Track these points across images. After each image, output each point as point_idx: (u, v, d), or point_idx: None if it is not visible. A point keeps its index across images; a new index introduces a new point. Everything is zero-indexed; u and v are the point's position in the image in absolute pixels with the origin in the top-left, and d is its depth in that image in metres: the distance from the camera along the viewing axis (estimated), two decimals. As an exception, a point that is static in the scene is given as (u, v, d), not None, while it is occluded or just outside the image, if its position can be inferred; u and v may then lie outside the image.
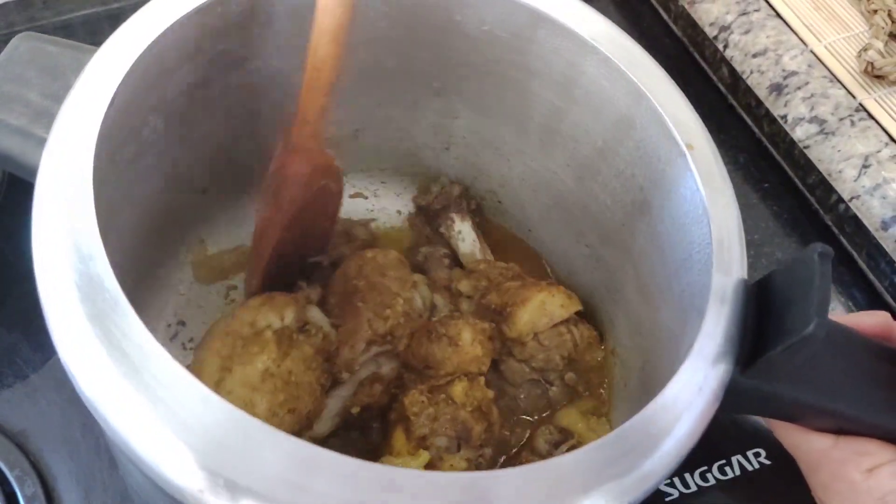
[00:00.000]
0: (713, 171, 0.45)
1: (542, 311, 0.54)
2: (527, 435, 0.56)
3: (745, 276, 0.43)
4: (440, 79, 0.57)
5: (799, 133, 0.76)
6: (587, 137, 0.54)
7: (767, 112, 0.79)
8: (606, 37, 0.50)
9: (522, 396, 0.56)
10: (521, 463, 0.54)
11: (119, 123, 0.41)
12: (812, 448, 0.46)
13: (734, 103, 0.83)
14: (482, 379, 0.53)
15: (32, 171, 0.41)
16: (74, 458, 0.62)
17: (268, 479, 0.32)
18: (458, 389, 0.51)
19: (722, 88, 0.84)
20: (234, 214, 0.62)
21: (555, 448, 0.55)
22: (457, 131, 0.61)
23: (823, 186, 0.74)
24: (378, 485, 0.33)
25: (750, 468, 0.63)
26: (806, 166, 0.76)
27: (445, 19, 0.52)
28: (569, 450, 0.52)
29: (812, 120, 0.76)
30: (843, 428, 0.45)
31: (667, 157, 0.48)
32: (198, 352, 0.50)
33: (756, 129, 0.81)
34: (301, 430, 0.50)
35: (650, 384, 0.50)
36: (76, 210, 0.37)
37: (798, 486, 0.51)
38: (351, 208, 0.66)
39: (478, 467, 0.50)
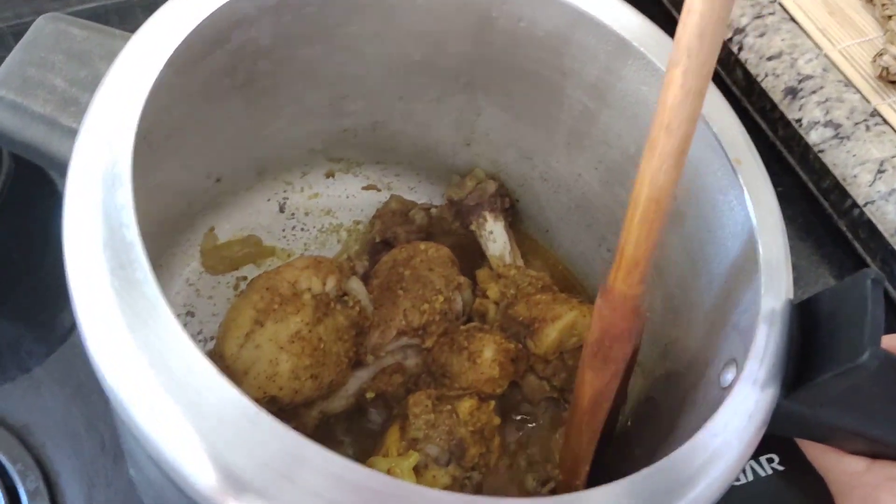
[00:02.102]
0: (762, 188, 0.44)
1: (571, 330, 0.53)
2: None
3: (792, 297, 0.42)
4: (468, 74, 0.55)
5: (814, 137, 0.75)
6: (619, 142, 0.53)
7: (782, 116, 0.78)
8: (650, 39, 0.48)
9: (540, 413, 0.55)
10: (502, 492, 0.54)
11: (148, 109, 0.39)
12: (845, 471, 0.45)
13: (748, 106, 0.82)
14: (492, 403, 0.51)
15: (57, 162, 0.39)
16: (78, 453, 0.60)
17: (258, 467, 0.30)
18: (465, 406, 0.50)
19: (736, 91, 0.83)
20: (246, 204, 0.61)
21: (541, 486, 0.54)
22: (479, 128, 0.60)
23: (838, 191, 0.74)
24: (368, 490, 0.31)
25: (763, 474, 0.63)
26: (820, 171, 0.75)
27: (481, 14, 0.50)
28: (553, 489, 0.52)
29: (827, 124, 0.75)
30: (878, 452, 0.45)
31: (708, 168, 0.46)
32: (236, 300, 0.50)
33: (770, 133, 0.80)
34: (318, 398, 0.50)
35: (676, 398, 0.49)
36: (112, 188, 0.35)
37: (811, 492, 0.51)
38: (363, 201, 0.65)
39: (461, 488, 0.49)
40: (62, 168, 0.37)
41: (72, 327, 0.64)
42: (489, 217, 0.60)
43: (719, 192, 0.46)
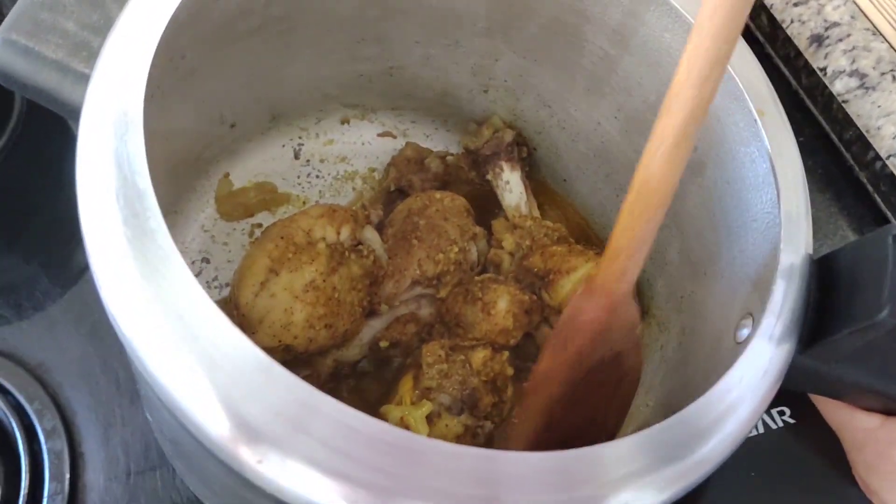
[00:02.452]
0: (784, 140, 0.43)
1: None
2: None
3: (811, 252, 0.41)
4: (487, 19, 0.54)
5: (838, 87, 0.73)
6: (639, 90, 0.52)
7: (806, 63, 0.76)
8: (674, -15, 0.47)
9: None
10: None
11: (159, 54, 0.39)
12: (859, 427, 0.45)
13: (771, 52, 0.80)
14: (506, 354, 0.51)
15: (69, 108, 0.39)
16: (94, 392, 0.61)
17: (270, 417, 0.31)
18: (479, 356, 0.50)
19: (759, 36, 0.81)
20: (260, 150, 0.61)
21: None
22: (498, 73, 0.58)
23: (860, 143, 0.72)
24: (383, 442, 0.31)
25: (774, 426, 0.63)
26: (843, 121, 0.74)
27: (501, -43, 0.49)
28: None
29: (852, 73, 0.73)
30: (892, 409, 0.45)
31: (729, 119, 0.46)
32: (251, 248, 0.50)
33: (793, 81, 0.79)
34: (332, 347, 0.51)
35: (691, 351, 0.49)
36: (124, 136, 0.35)
37: (821, 446, 0.51)
38: (378, 148, 0.64)
39: (473, 437, 0.49)
40: (75, 114, 0.36)
41: (86, 267, 0.64)
42: (506, 167, 0.59)
43: (741, 144, 0.45)
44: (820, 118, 0.77)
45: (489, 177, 0.60)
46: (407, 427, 0.48)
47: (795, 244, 0.41)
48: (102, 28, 0.38)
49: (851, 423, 0.46)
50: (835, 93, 0.74)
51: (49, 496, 0.57)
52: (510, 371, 0.51)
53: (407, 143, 0.62)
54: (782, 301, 0.39)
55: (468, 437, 0.49)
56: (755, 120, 0.43)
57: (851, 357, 0.40)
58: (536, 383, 0.45)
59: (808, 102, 0.78)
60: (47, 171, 0.69)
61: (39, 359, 0.62)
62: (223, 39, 0.47)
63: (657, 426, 0.35)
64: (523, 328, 0.52)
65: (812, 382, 0.43)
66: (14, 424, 0.59)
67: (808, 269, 0.41)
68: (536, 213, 0.60)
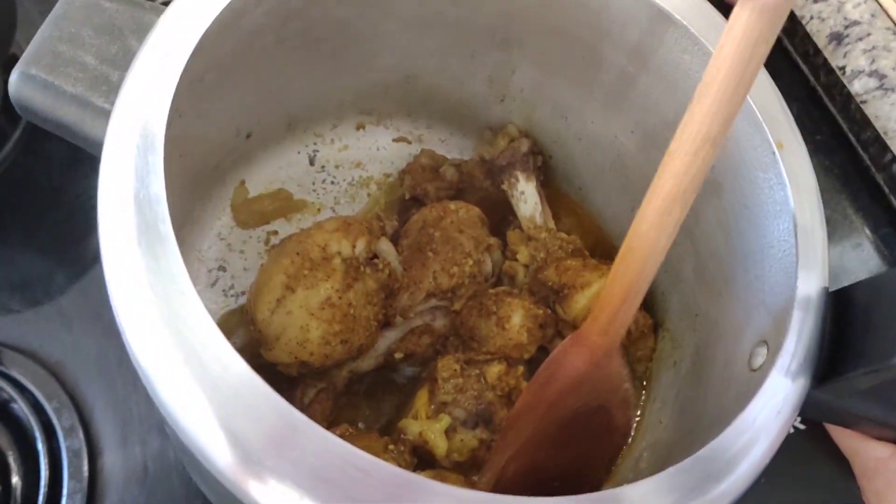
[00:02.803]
0: (802, 173, 0.43)
1: None
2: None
3: (827, 285, 0.41)
4: (504, 32, 0.54)
5: (857, 87, 0.73)
6: (657, 108, 0.51)
7: (825, 62, 0.75)
8: (691, 8, 0.46)
9: None
10: None
11: (180, 86, 0.39)
12: (870, 456, 0.46)
13: (790, 48, 0.80)
14: (521, 368, 0.52)
15: (90, 142, 0.39)
16: (111, 390, 0.62)
17: (258, 435, 0.31)
18: (494, 371, 0.50)
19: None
20: (276, 157, 0.61)
21: None
22: (514, 85, 0.58)
23: (878, 144, 0.72)
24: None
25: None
26: (861, 121, 0.73)
27: (519, -27, 0.49)
28: None
29: (872, 74, 0.72)
30: (905, 439, 0.45)
31: (748, 143, 0.45)
32: (266, 264, 0.50)
33: (812, 78, 0.78)
34: (348, 360, 0.51)
35: (705, 371, 0.49)
36: (145, 171, 0.35)
37: (831, 454, 0.51)
38: (393, 153, 0.64)
39: (488, 450, 0.50)
40: (96, 148, 0.36)
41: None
42: (521, 177, 0.59)
43: (759, 169, 0.45)
44: (838, 117, 0.76)
45: (504, 187, 0.60)
46: (426, 442, 0.49)
47: (813, 277, 0.41)
48: (121, 61, 0.38)
49: (863, 452, 0.46)
50: (853, 93, 0.73)
51: (68, 494, 0.58)
52: (524, 384, 0.52)
53: (422, 151, 0.62)
54: (798, 336, 0.39)
55: (483, 450, 0.50)
56: (774, 151, 0.43)
57: (865, 393, 0.40)
58: (515, 417, 0.47)
59: (826, 101, 0.77)
60: (62, 165, 0.69)
61: (57, 356, 0.63)
62: (241, 58, 0.47)
63: (673, 469, 0.35)
64: (537, 342, 0.53)
65: (824, 413, 0.43)
66: (33, 422, 0.59)
67: (825, 302, 0.41)
68: (552, 224, 0.60)
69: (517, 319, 0.52)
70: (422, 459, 0.50)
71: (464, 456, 0.49)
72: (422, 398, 0.51)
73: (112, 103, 0.36)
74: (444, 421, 0.49)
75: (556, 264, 0.54)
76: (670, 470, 0.35)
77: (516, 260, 0.56)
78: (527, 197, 0.59)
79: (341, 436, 0.31)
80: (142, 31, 0.38)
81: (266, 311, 0.48)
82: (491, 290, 0.55)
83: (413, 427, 0.49)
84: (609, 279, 0.41)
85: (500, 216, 0.61)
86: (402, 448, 0.49)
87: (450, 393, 0.50)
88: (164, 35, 0.38)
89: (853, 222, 0.74)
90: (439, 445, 0.48)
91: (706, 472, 0.35)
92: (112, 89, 0.37)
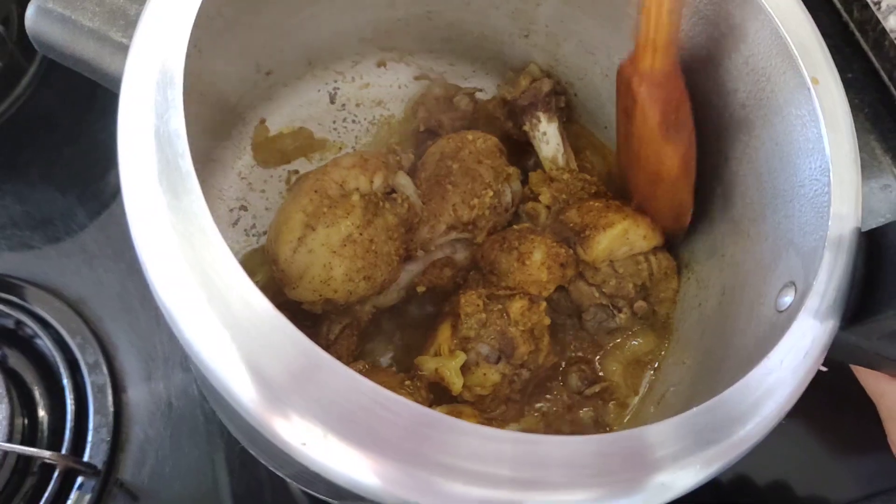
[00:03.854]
0: (837, 110, 0.42)
1: (623, 239, 0.52)
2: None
3: (860, 225, 0.40)
4: (528, -37, 0.52)
5: (892, 22, 0.71)
6: (688, 42, 0.50)
7: (860, -4, 0.73)
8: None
9: (588, 319, 0.54)
10: (548, 393, 0.55)
11: (199, 17, 0.38)
12: (896, 398, 0.45)
13: (823, -18, 0.77)
14: (544, 304, 0.51)
15: (109, 78, 0.38)
16: (134, 327, 0.62)
17: (282, 373, 0.31)
18: (517, 307, 0.50)
19: (812, -36, 0.78)
20: (296, 95, 0.60)
21: (586, 387, 0.54)
22: (539, 19, 0.57)
23: (911, 83, 0.70)
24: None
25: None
26: (895, 59, 0.71)
27: None
28: (598, 392, 0.53)
29: (908, 9, 0.70)
30: (931, 380, 0.45)
31: (780, 80, 0.44)
32: (285, 203, 0.50)
33: (844, 13, 0.76)
34: (371, 296, 0.51)
35: (731, 312, 0.49)
36: (164, 107, 0.35)
37: (852, 396, 0.51)
38: (415, 91, 0.63)
39: (510, 384, 0.50)
40: (115, 84, 0.36)
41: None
42: (543, 118, 0.58)
43: (792, 106, 0.44)
44: (871, 54, 0.74)
45: (526, 128, 0.59)
46: (442, 378, 0.49)
47: (845, 217, 0.40)
48: (138, -5, 0.37)
49: (890, 395, 0.46)
50: (888, 29, 0.71)
51: (94, 428, 0.59)
52: (547, 321, 0.51)
53: (434, 80, 0.61)
54: (829, 276, 0.38)
55: (506, 384, 0.50)
56: (808, 87, 0.42)
57: (894, 334, 0.40)
58: (683, 169, 0.49)
59: (859, 37, 0.75)
60: (80, 100, 0.69)
61: (80, 293, 0.63)
62: (259, -8, 0.46)
63: (695, 409, 0.35)
64: (556, 281, 0.52)
65: (852, 355, 0.43)
66: (58, 358, 0.60)
67: (856, 242, 0.40)
68: (573, 164, 0.59)
69: (538, 256, 0.51)
70: (438, 395, 0.50)
71: (486, 390, 0.49)
72: (444, 333, 0.51)
73: (130, 38, 0.36)
74: (460, 358, 0.49)
75: (578, 205, 0.53)
76: (693, 410, 0.35)
77: (538, 201, 0.55)
78: (549, 138, 0.58)
79: (359, 372, 0.31)
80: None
81: (288, 251, 0.47)
82: (515, 227, 0.54)
83: (429, 364, 0.49)
84: (656, 24, 0.44)
85: (521, 150, 0.60)
86: (418, 384, 0.49)
87: (473, 328, 0.50)
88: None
89: (881, 163, 0.73)
90: (455, 382, 0.48)
91: (729, 413, 0.35)
92: (130, 24, 0.37)
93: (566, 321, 0.55)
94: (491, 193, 0.53)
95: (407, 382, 0.49)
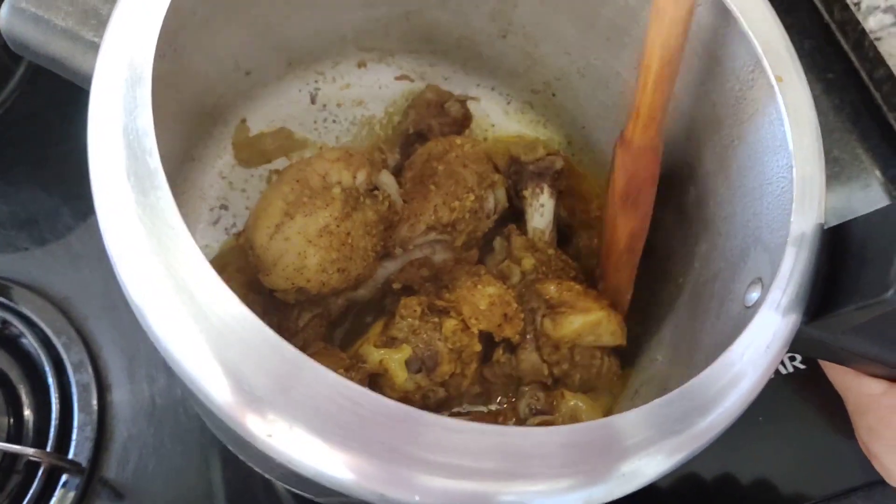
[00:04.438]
0: (801, 107, 0.42)
1: (594, 328, 0.51)
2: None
3: (823, 221, 0.41)
4: (504, -36, 0.53)
5: (871, 23, 0.71)
6: (659, 43, 0.50)
7: (840, -3, 0.74)
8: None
9: (525, 389, 0.53)
10: (496, 420, 0.54)
11: (170, 17, 0.39)
12: (863, 392, 0.46)
13: (805, -17, 0.78)
14: (477, 329, 0.51)
15: (80, 76, 0.39)
16: (118, 326, 0.63)
17: (276, 386, 0.32)
18: (451, 323, 0.50)
19: (793, -34, 0.78)
20: (277, 95, 0.60)
21: (532, 415, 0.53)
22: (516, 20, 0.57)
23: (891, 83, 0.71)
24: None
25: (784, 372, 0.64)
26: (874, 59, 0.72)
27: None
28: (540, 424, 0.52)
29: (887, 10, 0.71)
30: (897, 376, 0.45)
31: (748, 78, 0.45)
32: (267, 190, 0.51)
33: (826, 15, 0.76)
34: (346, 290, 0.52)
35: (702, 309, 0.49)
36: (133, 105, 0.35)
37: (832, 393, 0.51)
38: (395, 91, 0.63)
39: (423, 398, 0.50)
40: (87, 81, 0.36)
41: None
42: (546, 191, 0.58)
43: (759, 104, 0.44)
44: (851, 55, 0.75)
45: (526, 192, 0.58)
46: (385, 370, 0.49)
47: (807, 213, 0.41)
48: (111, -5, 0.38)
49: (856, 388, 0.46)
50: (867, 29, 0.71)
51: (79, 427, 0.60)
52: (478, 347, 0.51)
53: (428, 86, 0.62)
54: (790, 271, 0.39)
55: (417, 397, 0.50)
56: (772, 85, 0.42)
57: (858, 329, 0.40)
58: (628, 246, 0.52)
59: (840, 37, 0.76)
60: (66, 102, 0.69)
61: (65, 292, 0.63)
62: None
63: (660, 399, 0.36)
64: (488, 321, 0.51)
65: (817, 350, 0.43)
66: (43, 357, 0.61)
67: (819, 239, 0.40)
68: (554, 243, 0.58)
69: (490, 290, 0.51)
70: (372, 387, 0.50)
71: (395, 393, 0.49)
72: (377, 327, 0.51)
73: (101, 37, 0.36)
74: (406, 351, 0.49)
75: (557, 281, 0.53)
76: (657, 401, 0.35)
77: (518, 265, 0.55)
78: (545, 211, 0.58)
79: (313, 354, 0.32)
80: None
81: (265, 237, 0.48)
82: (491, 261, 0.55)
83: (374, 355, 0.49)
84: (653, 89, 0.46)
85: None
86: (356, 375, 0.49)
87: (403, 330, 0.50)
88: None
89: (862, 162, 0.73)
90: (398, 374, 0.49)
91: (692, 404, 0.36)
92: (102, 23, 0.37)
93: (498, 382, 0.55)
94: (472, 197, 0.54)
95: (348, 372, 0.49)
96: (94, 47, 0.36)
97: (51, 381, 0.60)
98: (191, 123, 0.53)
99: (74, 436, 0.59)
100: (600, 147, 0.61)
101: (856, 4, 0.73)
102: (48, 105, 0.69)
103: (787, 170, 0.42)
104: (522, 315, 0.52)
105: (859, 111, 0.74)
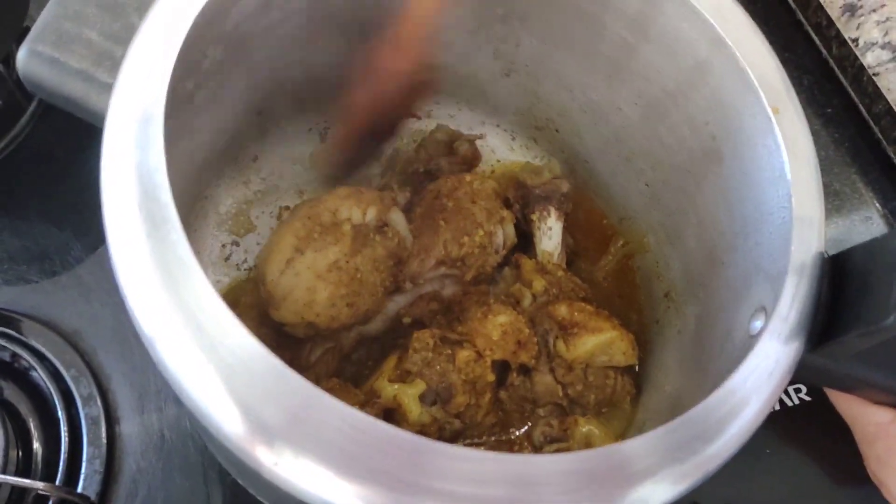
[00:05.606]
0: (798, 138, 0.43)
1: (607, 348, 0.52)
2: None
3: (824, 250, 0.42)
4: (505, 5, 0.54)
5: (870, 59, 0.72)
6: (658, 78, 0.52)
7: (838, 33, 0.75)
8: (691, -23, 0.47)
9: (540, 416, 0.54)
10: (512, 449, 0.54)
11: (182, 58, 0.40)
12: (870, 421, 0.46)
13: (803, 20, 0.79)
14: (489, 360, 0.51)
15: (95, 116, 0.40)
16: (128, 359, 0.63)
17: (286, 418, 0.32)
18: (463, 355, 0.50)
19: (791, 3, 0.80)
20: (288, 134, 0.62)
21: (547, 443, 0.53)
22: (519, 59, 0.59)
23: (890, 117, 0.72)
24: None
25: (790, 403, 0.64)
26: (873, 94, 0.73)
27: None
28: (556, 451, 0.52)
29: (885, 46, 0.72)
30: (905, 404, 0.45)
31: (746, 110, 0.46)
32: (279, 226, 0.52)
33: (824, 51, 0.78)
34: (355, 324, 0.52)
35: (707, 338, 0.50)
36: (145, 142, 0.36)
37: (837, 425, 0.52)
38: (403, 129, 0.64)
39: (439, 430, 0.50)
40: (101, 120, 0.37)
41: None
42: (553, 213, 0.59)
43: (758, 135, 0.45)
44: (849, 89, 0.76)
45: (534, 216, 0.59)
46: (399, 405, 0.49)
47: (807, 242, 0.41)
48: (124, 37, 0.39)
49: (863, 417, 0.46)
50: (866, 65, 0.73)
51: (88, 460, 0.60)
52: (491, 377, 0.51)
53: (438, 126, 0.63)
54: (792, 299, 0.39)
55: (433, 429, 0.50)
56: (769, 117, 0.43)
57: (861, 356, 0.41)
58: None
59: (838, 73, 0.77)
60: (77, 138, 0.70)
61: (75, 326, 0.64)
62: (245, 35, 0.47)
63: (665, 426, 0.36)
64: (503, 350, 0.52)
65: (822, 378, 0.43)
66: (52, 390, 0.61)
67: (820, 267, 0.41)
68: (564, 265, 0.59)
69: (502, 319, 0.52)
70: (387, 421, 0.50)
71: (411, 427, 0.49)
72: (391, 362, 0.52)
73: (115, 78, 0.37)
74: (420, 386, 0.49)
75: (569, 302, 0.54)
76: (662, 428, 0.35)
77: (529, 287, 0.56)
78: (553, 234, 0.59)
79: (329, 390, 0.32)
80: (144, 7, 0.39)
81: (275, 272, 0.49)
82: (503, 295, 0.55)
83: (388, 390, 0.50)
84: None
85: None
86: (370, 410, 0.49)
87: (417, 364, 0.50)
88: (164, 10, 0.39)
89: (863, 195, 0.74)
90: (412, 409, 0.49)
91: (696, 431, 0.36)
92: (116, 64, 0.38)
93: (513, 405, 0.55)
94: (482, 233, 0.55)
95: (365, 408, 0.49)
96: (108, 88, 0.37)
97: (60, 414, 0.60)
98: (203, 162, 0.54)
99: (83, 469, 0.59)
100: (604, 180, 0.62)
101: (854, 40, 0.74)
102: (59, 141, 0.69)
103: (787, 199, 0.43)
104: (536, 339, 0.53)
105: (858, 145, 0.75)
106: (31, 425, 0.61)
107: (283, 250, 0.49)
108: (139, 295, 0.34)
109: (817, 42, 0.78)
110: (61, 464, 0.59)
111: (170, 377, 0.33)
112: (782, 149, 0.43)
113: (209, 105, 0.49)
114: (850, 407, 0.47)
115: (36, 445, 0.60)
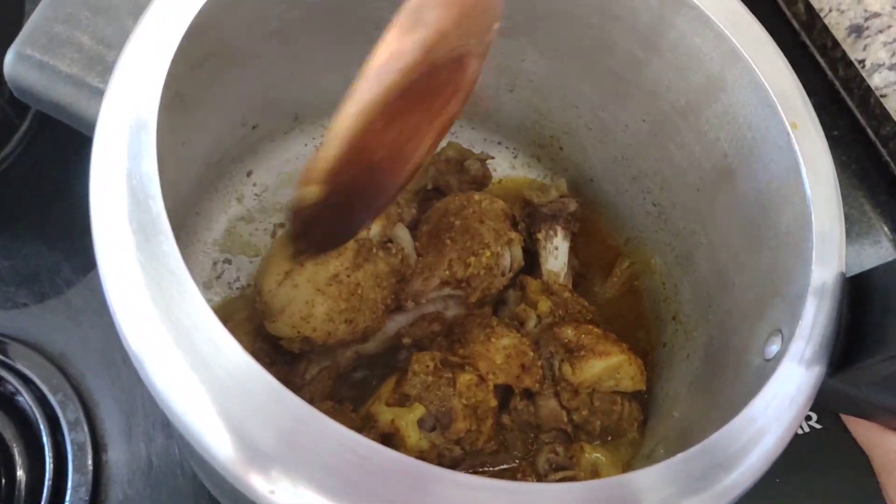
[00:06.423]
0: (819, 155, 0.42)
1: (614, 372, 0.50)
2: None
3: (844, 271, 0.40)
4: (510, 19, 0.52)
5: (877, 80, 0.71)
6: (668, 94, 0.50)
7: (844, 55, 0.74)
8: (704, -10, 0.45)
9: (544, 442, 0.52)
10: (514, 477, 0.52)
11: (177, 67, 0.38)
12: (890, 449, 0.44)
13: (808, 42, 0.78)
14: (491, 385, 0.49)
15: (85, 123, 0.38)
16: (116, 383, 0.61)
17: (282, 443, 0.30)
18: (465, 379, 0.48)
19: (795, 25, 0.79)
20: (283, 149, 0.60)
21: (552, 471, 0.51)
22: (523, 74, 0.57)
23: (897, 139, 0.71)
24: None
25: (801, 432, 0.63)
26: (881, 116, 0.72)
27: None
28: (561, 479, 0.50)
29: (892, 67, 0.71)
30: (924, 431, 0.44)
31: (761, 126, 0.44)
32: (280, 236, 0.50)
33: (830, 73, 0.77)
34: (353, 342, 0.51)
35: (719, 362, 0.48)
36: (137, 150, 0.34)
37: (847, 453, 0.50)
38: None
39: (438, 456, 0.48)
40: (90, 128, 0.36)
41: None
42: (560, 233, 0.58)
43: (773, 153, 0.44)
44: (856, 112, 0.75)
45: (540, 235, 0.58)
46: (397, 430, 0.47)
47: (828, 262, 0.40)
48: (117, 42, 0.38)
49: (883, 445, 0.45)
50: (872, 87, 0.72)
51: (73, 487, 0.58)
52: (493, 402, 0.50)
53: (449, 143, 0.61)
54: (812, 322, 0.38)
55: (433, 455, 0.48)
56: (788, 133, 0.42)
57: (883, 381, 0.39)
58: (377, 70, 0.38)
59: (844, 95, 0.76)
60: (70, 157, 0.69)
61: (62, 349, 0.62)
62: (242, 45, 0.46)
63: (681, 455, 0.34)
64: (506, 375, 0.50)
65: (841, 404, 0.42)
66: (38, 415, 0.59)
67: (841, 288, 0.39)
68: (570, 285, 0.58)
69: (505, 342, 0.50)
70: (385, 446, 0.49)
71: (410, 453, 0.47)
72: (388, 385, 0.50)
73: (107, 83, 0.36)
74: (419, 410, 0.48)
75: (575, 324, 0.52)
76: (677, 457, 0.34)
77: (534, 308, 0.54)
78: (559, 253, 0.58)
79: (324, 412, 0.30)
80: (138, 11, 0.37)
81: (273, 283, 0.47)
82: (506, 318, 0.54)
83: (386, 414, 0.48)
84: None
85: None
86: (367, 435, 0.47)
87: (416, 387, 0.48)
88: (159, 15, 0.37)
89: (871, 219, 0.72)
90: (410, 435, 0.47)
91: (714, 461, 0.34)
92: (108, 70, 0.37)
93: (516, 430, 0.53)
94: (488, 254, 0.53)
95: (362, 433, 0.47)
96: (99, 93, 0.36)
97: (45, 440, 0.59)
98: (196, 176, 0.53)
99: (68, 497, 0.57)
100: (609, 199, 0.61)
101: (860, 62, 0.73)
102: (51, 160, 0.68)
103: (805, 218, 0.41)
104: (540, 363, 0.51)
105: (866, 168, 0.74)
106: (15, 451, 0.59)
107: (283, 261, 0.47)
108: (127, 308, 0.32)
109: (822, 64, 0.77)
110: (45, 492, 0.57)
111: (159, 398, 0.31)
112: (801, 165, 0.41)
113: (202, 115, 0.47)
114: (868, 434, 0.46)
115: (20, 473, 0.58)
